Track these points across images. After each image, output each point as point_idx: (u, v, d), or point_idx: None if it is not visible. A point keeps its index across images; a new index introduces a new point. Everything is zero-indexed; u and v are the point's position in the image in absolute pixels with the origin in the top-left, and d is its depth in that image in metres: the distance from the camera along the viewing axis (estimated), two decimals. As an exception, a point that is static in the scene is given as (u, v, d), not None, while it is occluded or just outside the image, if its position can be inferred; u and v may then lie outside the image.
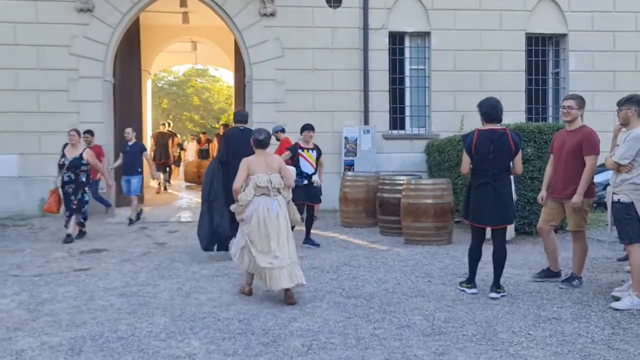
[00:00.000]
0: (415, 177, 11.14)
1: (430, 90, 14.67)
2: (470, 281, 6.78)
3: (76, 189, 10.34)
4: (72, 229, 10.38)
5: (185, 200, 16.50)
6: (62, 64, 13.24)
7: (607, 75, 14.85)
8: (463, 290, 6.75)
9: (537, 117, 15.00)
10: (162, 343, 5.14)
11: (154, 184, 20.95)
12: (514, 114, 13.39)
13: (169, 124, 22.30)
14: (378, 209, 11.06)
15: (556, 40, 15.24)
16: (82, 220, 10.55)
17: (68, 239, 10.22)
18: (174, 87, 41.28)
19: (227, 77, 39.45)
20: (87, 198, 10.55)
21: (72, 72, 13.30)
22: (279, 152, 12.47)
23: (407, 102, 14.85)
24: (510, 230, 9.31)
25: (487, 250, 6.90)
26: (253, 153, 6.87)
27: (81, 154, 10.40)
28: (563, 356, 4.77)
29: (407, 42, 14.79)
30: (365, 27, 14.19)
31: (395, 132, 14.64)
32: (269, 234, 6.41)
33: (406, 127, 14.84)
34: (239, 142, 8.72)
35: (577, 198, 6.74)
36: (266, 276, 6.36)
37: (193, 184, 19.86)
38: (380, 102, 14.36)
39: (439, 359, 4.72)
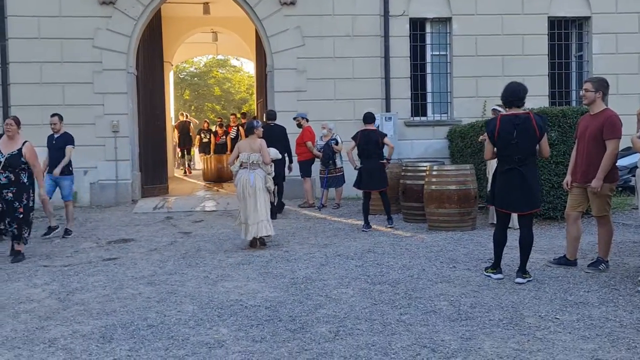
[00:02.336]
0: (438, 163, 11.13)
1: (452, 76, 14.59)
2: (496, 266, 6.78)
3: (19, 193, 8.24)
4: (21, 246, 8.41)
5: (210, 192, 16.59)
6: (86, 57, 13.38)
7: (632, 58, 14.66)
8: (489, 276, 6.75)
9: (561, 101, 14.85)
10: (191, 330, 5.23)
11: (178, 173, 21.24)
12: (538, 99, 13.28)
13: (186, 115, 22.69)
14: (401, 196, 11.06)
15: (579, 23, 15.06)
16: (28, 236, 8.49)
17: (17, 257, 8.29)
18: (195, 78, 41.45)
19: (247, 66, 39.53)
20: (32, 203, 8.46)
21: (96, 64, 13.43)
22: (300, 139, 12.59)
23: (429, 88, 14.79)
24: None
25: (512, 235, 6.90)
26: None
27: (20, 149, 8.29)
28: (591, 340, 4.77)
29: (428, 28, 14.71)
30: (386, 14, 14.13)
31: (417, 118, 14.59)
32: (246, 197, 8.67)
33: (428, 113, 14.79)
34: (269, 135, 10.47)
35: (596, 183, 6.69)
36: (243, 229, 8.73)
37: (212, 183, 17.69)
38: (402, 89, 14.32)
39: (466, 344, 4.74)
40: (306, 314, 5.59)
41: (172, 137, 21.52)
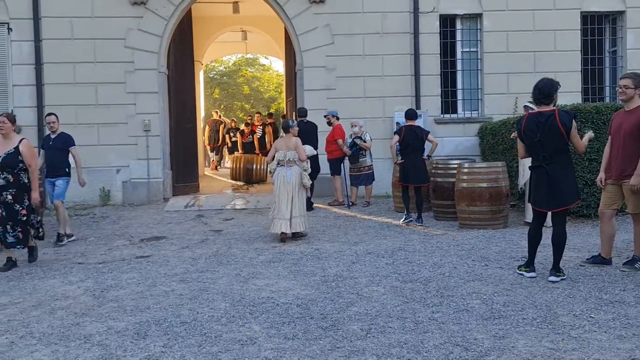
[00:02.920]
0: (469, 160, 11.05)
1: (482, 73, 14.45)
2: (529, 264, 6.71)
3: (19, 195, 7.77)
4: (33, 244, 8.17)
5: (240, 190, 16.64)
6: (118, 57, 13.54)
7: (668, 53, 14.39)
8: (521, 274, 6.69)
9: (594, 97, 14.62)
10: (223, 327, 5.26)
11: (208, 171, 21.42)
12: (570, 95, 13.12)
13: (218, 114, 22.86)
14: (431, 194, 11.01)
15: (613, 18, 14.81)
16: (36, 235, 8.13)
17: (31, 257, 8.13)
18: (224, 77, 41.67)
19: (276, 65, 39.66)
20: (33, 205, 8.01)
21: (128, 64, 13.58)
22: (331, 136, 12.60)
23: (459, 85, 14.68)
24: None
25: (545, 233, 6.83)
26: (313, 139, 10.13)
27: (17, 147, 7.81)
28: (628, 340, 4.70)
29: (458, 25, 14.60)
30: (416, 11, 14.06)
31: (447, 116, 14.50)
32: (282, 194, 9.10)
33: (458, 110, 14.68)
34: (302, 131, 10.86)
35: (635, 180, 6.58)
36: (274, 224, 9.09)
37: (240, 183, 16.99)
38: (432, 86, 14.24)
39: (500, 343, 4.71)
40: (337, 312, 5.60)
41: (204, 134, 21.72)
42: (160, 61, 13.78)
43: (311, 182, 9.59)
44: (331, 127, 12.77)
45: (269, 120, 21.23)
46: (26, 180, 7.85)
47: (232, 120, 23.09)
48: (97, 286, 6.82)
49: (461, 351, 4.56)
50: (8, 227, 7.68)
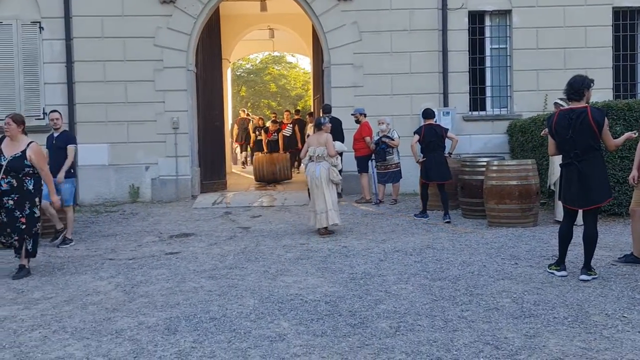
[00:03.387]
0: (498, 158, 10.96)
1: (512, 70, 14.31)
2: (560, 263, 6.64)
3: (21, 201, 7.23)
4: (25, 260, 7.43)
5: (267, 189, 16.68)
6: (147, 55, 13.66)
7: (702, 48, 14.11)
8: (552, 273, 6.61)
9: (626, 94, 14.39)
10: (252, 324, 5.29)
11: (235, 168, 21.54)
12: (601, 92, 12.92)
13: (245, 112, 22.93)
14: (460, 192, 10.94)
15: (646, 13, 14.57)
16: (31, 248, 7.39)
17: (21, 272, 7.34)
18: (251, 75, 41.84)
19: (303, 63, 39.70)
20: (38, 213, 7.42)
21: (157, 62, 13.70)
22: (359, 134, 12.59)
23: (488, 82, 14.54)
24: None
25: (576, 231, 6.75)
26: (339, 135, 9.96)
27: (24, 151, 7.30)
28: (661, 340, 4.63)
29: (487, 21, 14.46)
30: (444, 7, 13.97)
31: (475, 113, 14.38)
32: (313, 188, 9.45)
33: (487, 108, 14.55)
34: (335, 126, 11.28)
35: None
36: (312, 218, 9.52)
37: (265, 184, 16.42)
38: (460, 83, 14.14)
39: (530, 342, 4.66)
40: (366, 309, 5.59)
41: (232, 133, 21.84)
42: (188, 59, 13.87)
43: (339, 177, 9.65)
44: (358, 125, 12.76)
45: (297, 117, 21.20)
46: (31, 187, 7.31)
47: (260, 118, 22.95)
48: (127, 282, 6.89)
49: (491, 350, 4.52)
50: (8, 231, 7.24)
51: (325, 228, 9.45)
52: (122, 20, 13.66)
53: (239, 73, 40.27)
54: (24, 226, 7.23)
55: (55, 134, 9.51)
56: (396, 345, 4.66)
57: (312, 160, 9.55)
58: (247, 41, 21.70)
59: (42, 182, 7.56)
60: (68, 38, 13.58)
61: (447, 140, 11.00)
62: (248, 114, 22.89)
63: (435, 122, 11.21)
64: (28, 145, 7.35)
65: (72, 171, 9.46)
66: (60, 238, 9.30)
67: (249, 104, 40.75)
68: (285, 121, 20.43)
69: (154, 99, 13.72)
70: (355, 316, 5.40)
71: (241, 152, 22.80)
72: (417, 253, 7.94)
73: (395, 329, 5.04)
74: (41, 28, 13.60)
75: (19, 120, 7.47)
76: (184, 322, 5.37)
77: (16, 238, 7.24)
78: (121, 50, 13.65)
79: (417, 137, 10.76)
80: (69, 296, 6.35)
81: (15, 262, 7.60)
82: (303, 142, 19.54)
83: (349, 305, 5.73)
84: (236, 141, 22.07)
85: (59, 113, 9.72)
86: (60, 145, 9.36)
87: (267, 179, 16.40)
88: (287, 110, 22.43)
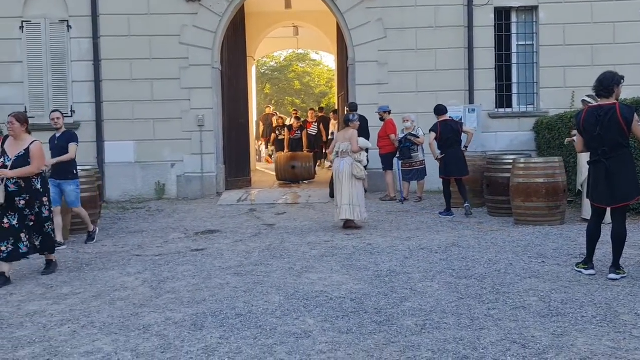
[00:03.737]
0: (525, 155, 10.86)
1: (538, 67, 14.18)
2: (588, 262, 6.56)
3: (31, 201, 7.06)
4: (53, 256, 7.48)
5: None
6: (173, 53, 13.77)
7: None
8: (580, 271, 6.54)
9: (657, 91, 14.18)
10: (278, 320, 5.31)
11: (260, 165, 21.61)
12: (631, 89, 12.61)
13: (271, 108, 22.87)
14: (486, 189, 10.87)
15: (677, 8, 14.32)
16: (39, 245, 7.25)
17: (49, 267, 7.41)
18: (275, 73, 41.95)
19: (327, 60, 39.68)
20: (46, 213, 7.24)
21: (183, 60, 13.81)
22: (383, 132, 12.56)
23: (514, 79, 14.43)
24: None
25: (604, 230, 6.67)
26: (364, 132, 10.45)
27: (27, 149, 7.11)
28: (692, 340, 4.55)
29: (513, 18, 14.34)
30: (470, 4, 13.87)
31: (501, 110, 14.27)
32: (337, 183, 9.65)
33: (513, 105, 14.44)
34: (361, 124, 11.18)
35: None
36: (336, 212, 9.65)
37: (286, 183, 16.04)
38: (486, 80, 14.03)
39: (558, 341, 4.62)
40: (391, 307, 5.58)
41: (258, 129, 21.86)
42: (214, 57, 13.95)
43: (363, 173, 9.67)
44: (383, 122, 12.73)
45: (321, 115, 21.10)
46: (39, 186, 7.16)
47: (280, 117, 22.40)
48: (154, 278, 6.95)
49: (519, 348, 4.49)
50: (22, 235, 6.99)
51: (349, 221, 9.56)
52: (148, 18, 13.78)
53: (263, 71, 40.40)
54: (31, 223, 7.09)
55: (57, 134, 9.26)
56: (422, 343, 4.64)
57: (338, 156, 9.67)
58: (271, 39, 21.78)
59: (48, 182, 7.57)
60: (95, 36, 13.73)
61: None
62: (273, 110, 22.75)
63: (450, 117, 11.22)
64: (32, 143, 7.15)
65: (75, 172, 9.16)
66: (89, 236, 9.30)
67: (273, 102, 40.84)
68: (309, 120, 20.01)
69: (179, 97, 13.82)
70: (380, 314, 5.39)
71: (266, 148, 22.82)
72: (442, 251, 7.90)
73: (421, 326, 5.02)
74: (69, 27, 13.78)
75: (22, 119, 7.22)
76: (210, 318, 5.40)
77: (27, 237, 7.05)
78: (147, 48, 13.77)
79: (433, 134, 10.82)
80: (97, 292, 6.43)
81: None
82: (327, 140, 19.58)
83: (374, 303, 5.72)
84: (262, 137, 22.06)
85: (60, 112, 9.44)
86: (62, 145, 9.09)
87: (289, 179, 16.07)
88: (311, 109, 22.00)
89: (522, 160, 9.86)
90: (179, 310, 5.66)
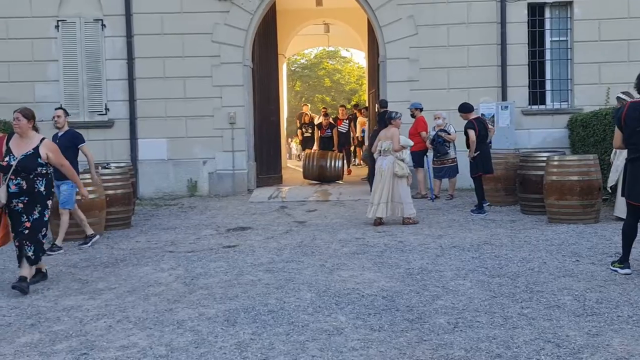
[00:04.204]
0: (559, 153, 10.73)
1: (572, 63, 13.98)
2: (624, 261, 6.46)
3: (30, 205, 6.47)
4: (26, 270, 6.48)
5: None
6: (205, 51, 13.88)
7: None
8: (615, 270, 6.44)
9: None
10: (310, 317, 5.33)
11: (290, 163, 21.63)
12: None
13: (308, 107, 22.59)
14: (519, 187, 10.76)
15: None
16: (32, 255, 6.47)
17: (20, 284, 6.34)
18: (306, 70, 42.04)
19: (357, 57, 39.64)
20: (47, 217, 6.65)
21: (215, 58, 13.91)
22: (414, 129, 12.51)
23: (548, 75, 14.25)
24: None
25: (641, 229, 6.57)
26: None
27: (36, 148, 6.55)
28: None
29: (547, 13, 14.16)
30: (503, 0, 13.73)
31: (535, 107, 14.11)
32: (377, 181, 9.73)
33: (547, 101, 14.26)
34: (381, 120, 11.50)
35: None
36: (369, 209, 9.75)
37: (313, 183, 15.66)
38: (519, 76, 13.88)
39: (593, 340, 4.56)
40: (423, 305, 5.56)
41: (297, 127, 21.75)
42: (245, 55, 14.03)
43: (406, 171, 9.75)
44: (414, 120, 12.68)
45: (354, 111, 20.79)
46: (42, 189, 6.53)
47: (306, 114, 21.19)
48: (187, 274, 7.03)
49: (553, 348, 4.45)
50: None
51: (406, 218, 9.70)
52: (180, 17, 13.90)
53: (293, 68, 40.51)
54: (26, 231, 6.44)
55: (60, 133, 8.84)
56: (455, 341, 4.62)
57: (381, 155, 9.79)
58: (302, 36, 21.82)
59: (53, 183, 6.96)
60: (129, 35, 13.90)
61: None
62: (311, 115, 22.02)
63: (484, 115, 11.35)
64: (41, 141, 6.60)
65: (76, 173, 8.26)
66: (51, 245, 8.45)
67: (303, 99, 40.91)
68: (340, 117, 19.33)
69: (211, 95, 13.93)
70: (412, 311, 5.38)
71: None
72: (474, 249, 7.85)
73: (454, 325, 5.00)
74: (103, 25, 13.96)
75: (29, 114, 6.66)
76: (242, 314, 5.44)
77: (17, 244, 6.47)
78: (180, 46, 13.90)
79: (473, 132, 10.62)
80: (132, 287, 6.52)
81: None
82: (357, 138, 19.51)
83: (406, 301, 5.71)
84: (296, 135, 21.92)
85: (63, 110, 9.05)
86: (65, 144, 8.46)
87: (316, 178, 15.67)
88: (341, 106, 21.44)
89: (556, 157, 9.74)
90: (212, 306, 5.72)
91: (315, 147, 18.51)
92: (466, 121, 10.88)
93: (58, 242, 8.55)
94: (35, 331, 5.18)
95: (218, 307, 5.68)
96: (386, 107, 12.69)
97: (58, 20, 13.88)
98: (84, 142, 8.97)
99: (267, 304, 5.73)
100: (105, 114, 13.95)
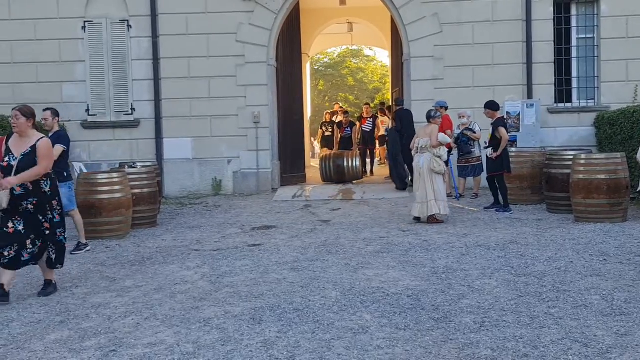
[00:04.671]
0: (585, 151, 10.62)
1: (599, 60, 13.81)
2: (653, 261, 6.39)
3: (41, 205, 6.28)
4: (47, 268, 6.45)
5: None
6: (229, 51, 13.95)
7: None
8: (644, 270, 6.38)
9: None
10: (335, 315, 5.34)
11: (314, 162, 21.60)
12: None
13: (339, 105, 21.96)
14: (545, 186, 10.67)
15: None
16: (54, 259, 6.40)
17: (48, 288, 6.40)
18: (329, 69, 42.02)
19: (381, 56, 39.53)
20: (58, 218, 6.43)
21: (239, 58, 13.97)
22: (439, 127, 12.42)
23: (574, 73, 14.09)
24: None
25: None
26: (409, 124, 11.73)
27: (34, 147, 6.26)
28: None
29: (573, 10, 14.00)
30: (528, -3, 13.64)
31: (561, 105, 13.96)
32: (417, 179, 9.88)
33: (573, 99, 14.10)
34: (401, 117, 13.10)
35: None
36: (412, 207, 9.95)
37: (332, 184, 15.06)
38: (545, 74, 13.75)
39: (622, 340, 4.52)
40: (449, 304, 5.55)
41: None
42: (269, 54, 14.08)
43: (442, 168, 9.86)
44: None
45: (383, 108, 20.23)
46: (47, 189, 6.32)
47: (327, 112, 20.55)
48: (213, 272, 7.08)
49: (580, 347, 4.41)
50: (28, 242, 6.21)
51: (433, 216, 9.71)
52: (205, 17, 13.98)
53: (317, 67, 40.52)
54: (48, 231, 6.30)
55: (50, 134, 8.22)
56: (481, 341, 4.61)
57: (418, 152, 9.90)
58: (325, 35, 21.81)
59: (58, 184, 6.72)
60: (154, 35, 14.01)
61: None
62: (340, 107, 21.51)
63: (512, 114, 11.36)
64: (38, 140, 6.30)
65: (66, 174, 8.32)
66: (76, 244, 8.52)
67: (326, 98, 40.92)
68: (364, 115, 18.57)
69: (235, 94, 14.00)
70: (438, 310, 5.37)
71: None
72: (500, 248, 7.80)
73: (480, 324, 4.99)
74: (129, 26, 14.09)
75: (28, 113, 6.34)
76: (268, 313, 5.48)
77: (39, 244, 6.29)
78: (205, 46, 13.99)
79: (504, 129, 10.74)
80: (158, 285, 6.59)
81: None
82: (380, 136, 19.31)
83: (431, 300, 5.70)
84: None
85: (51, 111, 8.55)
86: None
87: (334, 179, 15.12)
88: (366, 104, 20.53)
89: (583, 156, 9.66)
90: (238, 304, 5.76)
91: (335, 147, 17.55)
92: (490, 119, 10.94)
93: (82, 240, 8.57)
94: (64, 328, 5.26)
95: (244, 305, 5.72)
96: (402, 105, 12.83)
97: (85, 21, 14.04)
98: (64, 143, 8.35)
99: (293, 303, 5.75)
100: (131, 114, 14.09)
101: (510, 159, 11.34)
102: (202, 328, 5.13)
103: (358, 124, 18.11)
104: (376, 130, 18.60)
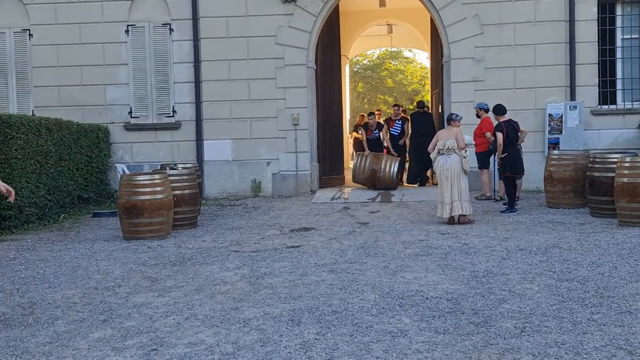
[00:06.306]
0: (631, 154, 10.39)
1: (645, 61, 13.53)
2: (700, 267, 6.24)
3: None
4: None
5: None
6: (269, 54, 14.04)
7: None
8: (691, 277, 6.22)
9: None
10: (374, 318, 5.33)
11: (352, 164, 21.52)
12: None
13: (380, 111, 21.57)
14: (588, 189, 10.47)
15: None
16: None
17: None
18: (368, 71, 41.93)
19: (420, 57, 39.30)
20: None
21: (279, 60, 14.05)
22: (479, 129, 12.34)
23: (619, 74, 13.81)
24: None
25: None
26: (428, 127, 12.76)
27: None
28: None
29: (618, 11, 13.73)
30: (571, -2, 13.42)
31: (605, 107, 13.70)
32: (443, 180, 9.85)
33: (617, 101, 13.82)
34: (420, 120, 14.53)
35: None
36: (439, 208, 9.99)
37: (365, 187, 14.52)
38: (588, 75, 13.52)
39: (668, 349, 4.42)
40: (489, 308, 5.49)
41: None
42: (308, 56, 14.13)
43: (468, 168, 10.08)
44: (479, 120, 12.50)
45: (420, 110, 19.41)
46: None
47: (361, 115, 19.78)
48: (252, 273, 7.13)
49: (625, 355, 4.32)
50: None
51: (462, 216, 9.86)
52: (245, 20, 14.11)
53: (356, 69, 40.48)
54: None
55: None
56: (522, 346, 4.55)
57: (442, 154, 9.94)
58: (365, 37, 21.82)
59: None
60: (196, 39, 14.19)
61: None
62: (380, 113, 20.88)
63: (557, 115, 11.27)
64: None
65: None
66: None
67: (365, 100, 40.85)
68: (393, 117, 16.52)
69: (275, 96, 14.09)
70: (478, 315, 5.32)
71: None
72: (542, 252, 7.69)
73: (521, 329, 4.92)
74: (171, 30, 14.30)
75: None
76: (307, 314, 5.49)
77: None
78: (245, 49, 14.11)
79: (501, 134, 10.90)
80: (199, 285, 6.66)
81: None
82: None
83: (471, 304, 5.65)
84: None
85: None
86: None
87: (365, 182, 14.39)
88: (394, 105, 17.95)
89: (628, 158, 9.45)
90: (277, 306, 5.79)
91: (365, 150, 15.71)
92: (496, 122, 11.28)
93: None
94: (107, 327, 5.36)
95: (283, 307, 5.75)
96: (423, 107, 13.05)
97: (128, 25, 14.29)
98: None
99: (331, 305, 5.76)
100: (173, 116, 14.29)
101: (553, 162, 11.22)
102: (242, 329, 5.17)
103: (386, 126, 17.09)
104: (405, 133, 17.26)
